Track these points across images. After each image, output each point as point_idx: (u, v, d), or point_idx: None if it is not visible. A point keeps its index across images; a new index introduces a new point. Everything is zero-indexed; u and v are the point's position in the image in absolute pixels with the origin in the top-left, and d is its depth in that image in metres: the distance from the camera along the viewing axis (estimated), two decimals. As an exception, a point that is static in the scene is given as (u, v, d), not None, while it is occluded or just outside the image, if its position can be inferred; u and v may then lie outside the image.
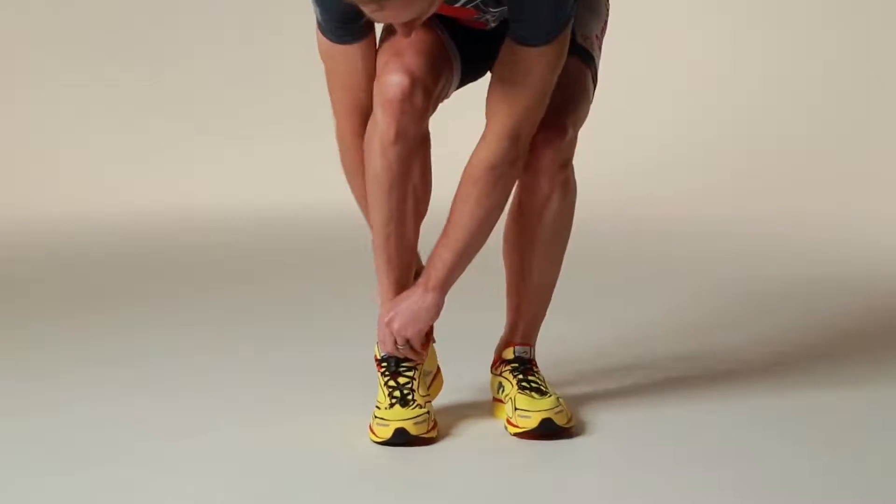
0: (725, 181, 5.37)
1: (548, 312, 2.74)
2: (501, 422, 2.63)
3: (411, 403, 2.56)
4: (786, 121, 5.55)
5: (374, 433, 2.55)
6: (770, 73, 5.71)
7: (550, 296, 2.75)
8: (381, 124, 2.50)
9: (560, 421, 2.55)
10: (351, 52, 2.50)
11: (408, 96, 2.47)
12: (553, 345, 2.89)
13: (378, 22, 2.36)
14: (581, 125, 2.62)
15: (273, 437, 2.60)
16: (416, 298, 2.57)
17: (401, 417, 2.52)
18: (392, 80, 2.47)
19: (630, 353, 3.21)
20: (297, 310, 3.88)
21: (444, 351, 2.82)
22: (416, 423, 2.52)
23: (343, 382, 2.90)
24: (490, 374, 2.75)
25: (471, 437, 2.60)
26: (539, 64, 2.45)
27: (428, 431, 2.54)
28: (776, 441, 2.54)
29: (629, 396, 2.82)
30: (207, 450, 2.52)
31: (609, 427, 2.62)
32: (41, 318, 3.80)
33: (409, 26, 2.33)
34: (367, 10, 2.26)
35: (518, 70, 2.46)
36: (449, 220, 2.55)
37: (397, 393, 2.58)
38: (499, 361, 2.72)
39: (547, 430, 2.53)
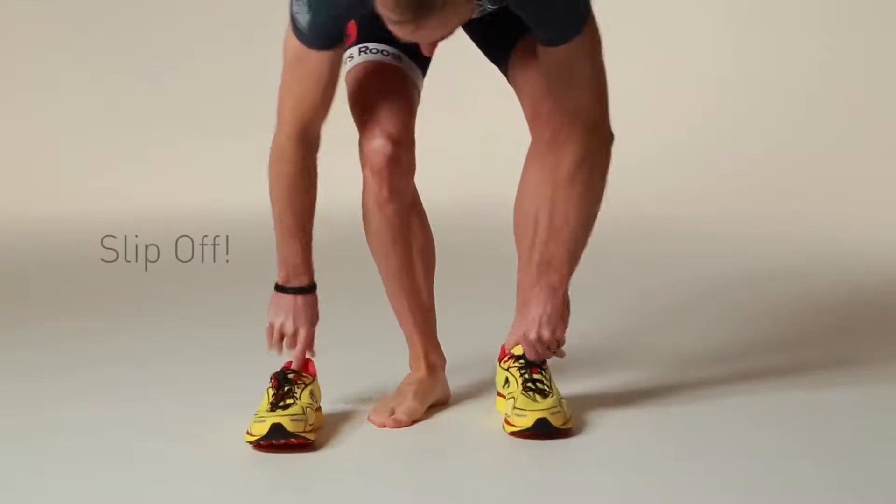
0: (725, 181, 5.37)
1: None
2: (502, 418, 2.62)
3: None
4: (786, 121, 5.55)
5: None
6: (770, 73, 5.71)
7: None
8: (373, 186, 2.62)
9: (555, 421, 2.54)
10: (324, 59, 2.48)
11: (393, 159, 2.59)
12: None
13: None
14: None
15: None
16: (549, 303, 2.57)
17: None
18: (375, 147, 2.58)
19: (629, 353, 3.21)
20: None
21: (446, 350, 2.82)
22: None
23: (344, 382, 2.89)
24: (497, 366, 2.75)
25: (471, 437, 2.60)
26: (583, 52, 2.47)
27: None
28: (776, 441, 2.54)
29: (629, 396, 2.82)
30: (208, 450, 2.51)
31: (609, 427, 2.61)
32: (41, 318, 3.80)
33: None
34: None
35: (567, 70, 2.49)
36: (552, 220, 2.57)
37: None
38: (507, 356, 2.72)
39: (541, 430, 2.52)
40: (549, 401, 2.58)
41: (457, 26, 2.29)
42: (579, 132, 2.53)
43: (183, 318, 3.76)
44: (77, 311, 3.91)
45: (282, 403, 2.52)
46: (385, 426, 2.64)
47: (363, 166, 2.62)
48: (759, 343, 3.32)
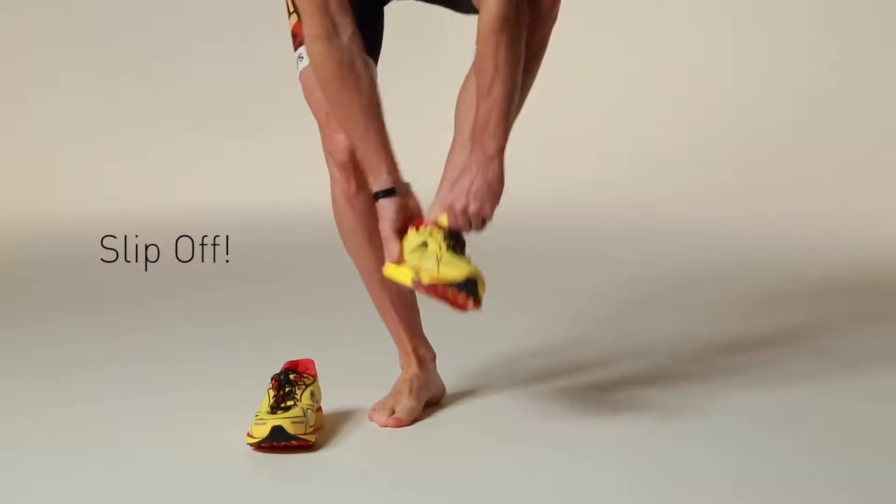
0: (725, 181, 5.38)
1: (547, 313, 2.73)
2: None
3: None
4: (786, 121, 5.55)
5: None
6: (770, 73, 5.72)
7: None
8: (340, 181, 2.62)
9: (481, 291, 2.44)
10: None
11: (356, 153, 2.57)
12: (554, 345, 2.89)
13: None
14: None
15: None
16: (481, 174, 2.49)
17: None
18: (337, 141, 2.59)
19: (629, 351, 3.21)
20: (298, 309, 3.88)
21: (435, 348, 2.82)
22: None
23: (344, 382, 2.89)
24: (410, 234, 2.54)
25: (471, 436, 2.60)
26: None
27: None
28: (775, 440, 2.54)
29: (629, 396, 2.82)
30: (208, 450, 2.52)
31: (610, 427, 2.61)
32: (41, 318, 3.80)
33: None
34: None
35: None
36: (482, 82, 2.50)
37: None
38: (430, 223, 2.53)
39: (467, 290, 2.43)
40: (475, 266, 2.45)
41: None
42: None
43: (183, 318, 3.76)
44: (77, 311, 3.91)
45: (283, 405, 2.52)
46: (387, 426, 2.64)
47: (328, 162, 2.62)
48: (759, 342, 3.32)
